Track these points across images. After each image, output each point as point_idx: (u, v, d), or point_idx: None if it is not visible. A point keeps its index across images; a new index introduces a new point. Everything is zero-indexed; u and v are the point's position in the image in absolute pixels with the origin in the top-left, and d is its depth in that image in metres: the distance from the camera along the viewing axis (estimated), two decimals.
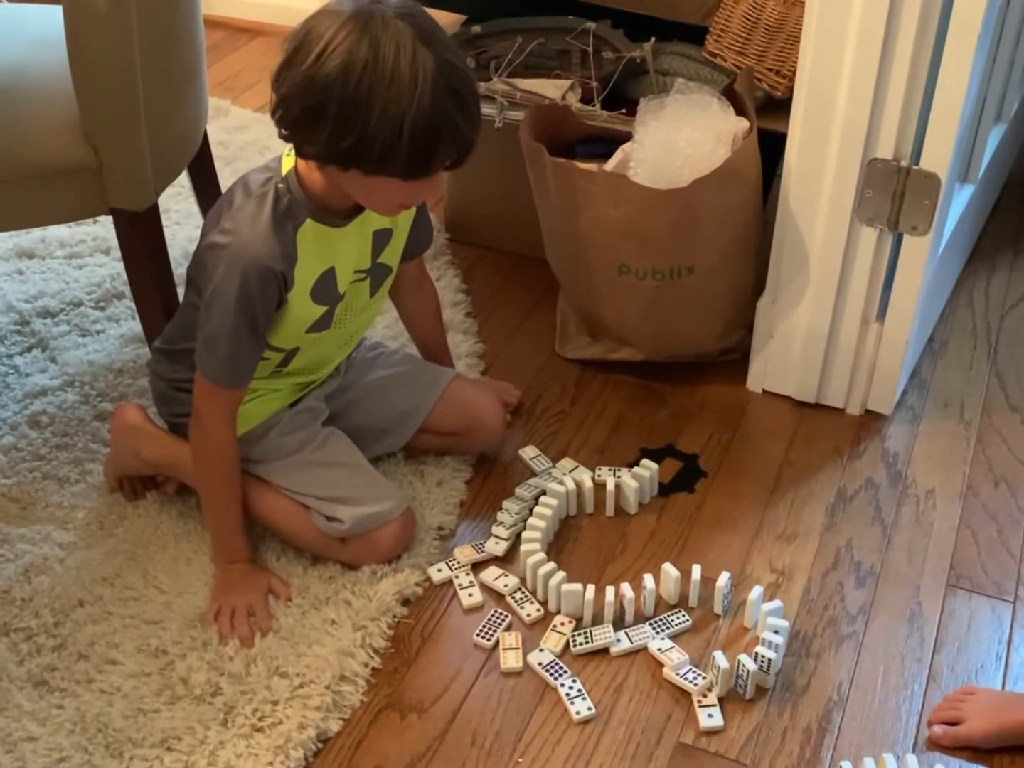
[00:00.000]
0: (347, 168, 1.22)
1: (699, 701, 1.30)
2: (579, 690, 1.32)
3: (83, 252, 2.01)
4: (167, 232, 1.66)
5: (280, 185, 1.29)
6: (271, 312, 1.32)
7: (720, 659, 1.30)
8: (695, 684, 1.31)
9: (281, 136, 1.25)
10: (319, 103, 1.17)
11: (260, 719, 1.27)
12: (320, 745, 1.27)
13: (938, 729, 1.28)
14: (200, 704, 1.29)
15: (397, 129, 1.16)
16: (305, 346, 1.41)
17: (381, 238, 1.41)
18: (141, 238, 1.55)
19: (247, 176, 1.34)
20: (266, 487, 1.44)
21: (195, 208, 1.99)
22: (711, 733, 1.28)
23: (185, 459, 1.43)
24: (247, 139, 2.36)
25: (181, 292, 1.68)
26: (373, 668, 1.34)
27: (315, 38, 1.17)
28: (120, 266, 1.91)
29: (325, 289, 1.36)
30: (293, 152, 1.29)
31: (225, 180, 1.98)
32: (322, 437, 1.46)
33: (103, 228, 2.03)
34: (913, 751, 1.27)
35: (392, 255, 1.44)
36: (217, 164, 1.91)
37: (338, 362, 1.52)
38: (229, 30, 2.81)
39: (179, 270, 1.89)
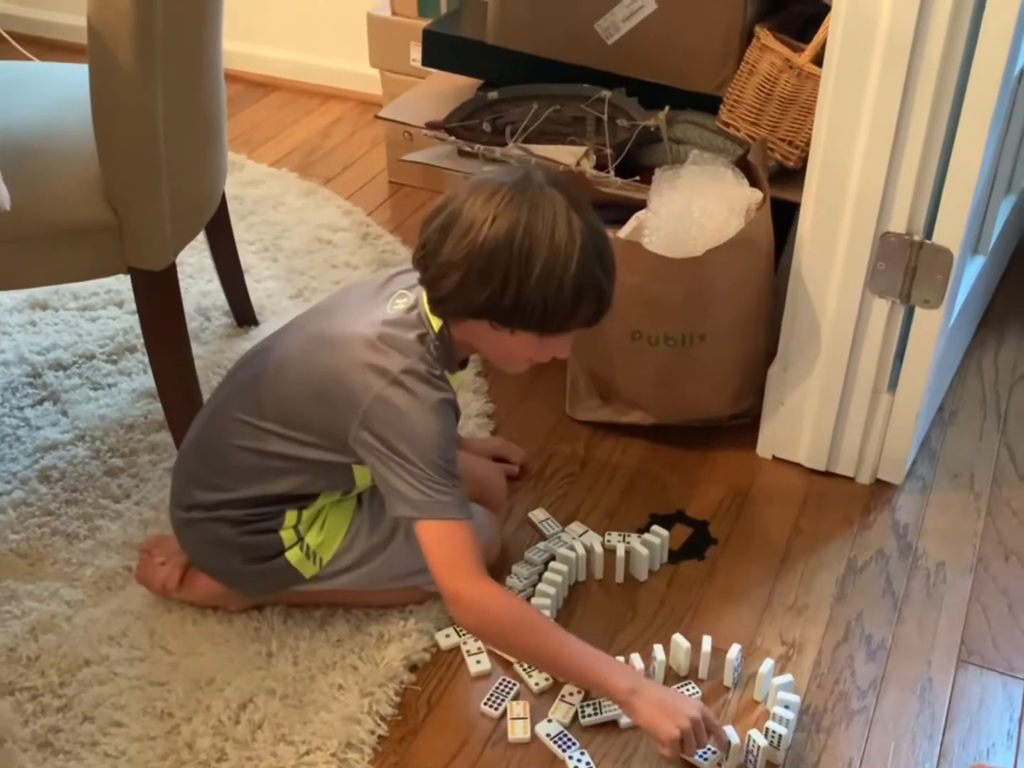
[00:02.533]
0: (494, 324, 1.27)
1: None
2: (588, 763, 1.30)
3: (96, 304, 2.02)
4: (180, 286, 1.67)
5: (436, 343, 1.31)
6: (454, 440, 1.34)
7: (731, 734, 1.29)
8: (704, 759, 1.30)
9: (434, 299, 1.29)
10: (484, 266, 1.23)
11: None
12: None
13: None
14: None
15: (554, 288, 1.23)
16: None
17: None
18: (158, 297, 1.56)
19: (385, 330, 1.31)
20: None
21: (209, 262, 2.00)
22: None
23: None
24: (262, 193, 2.38)
25: (195, 348, 1.70)
26: (379, 736, 1.33)
27: (475, 207, 1.23)
28: (133, 319, 1.93)
29: None
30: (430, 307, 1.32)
31: (239, 234, 2.01)
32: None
33: (117, 281, 2.04)
34: None
35: None
36: (232, 219, 1.93)
37: None
38: (245, 84, 2.85)
39: (192, 324, 1.91)
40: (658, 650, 1.39)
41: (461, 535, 1.29)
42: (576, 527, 1.62)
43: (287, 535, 1.39)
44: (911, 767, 1.33)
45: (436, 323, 1.32)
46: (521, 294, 1.23)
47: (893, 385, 1.65)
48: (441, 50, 1.99)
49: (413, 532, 1.33)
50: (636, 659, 1.39)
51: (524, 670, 1.41)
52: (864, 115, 1.45)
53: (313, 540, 1.40)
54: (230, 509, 1.38)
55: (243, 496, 1.37)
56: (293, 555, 1.39)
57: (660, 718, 1.25)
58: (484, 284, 1.24)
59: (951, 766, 1.32)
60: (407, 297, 1.34)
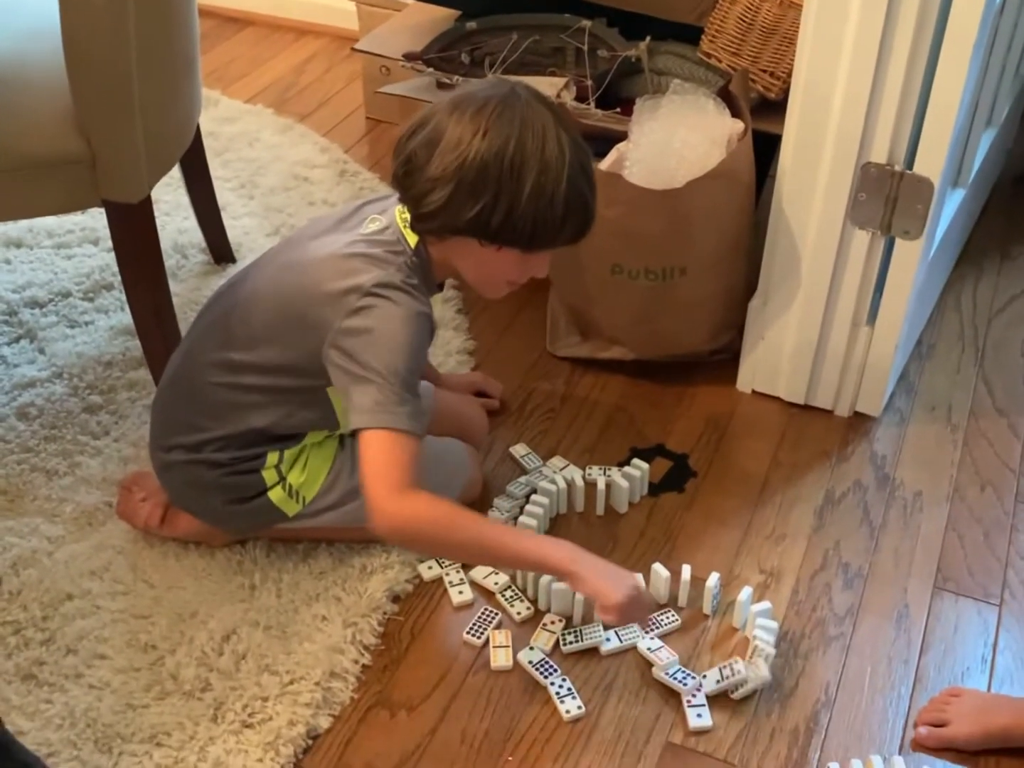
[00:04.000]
0: (482, 242, 1.25)
1: (688, 701, 1.31)
2: (569, 689, 1.32)
3: (71, 242, 1.99)
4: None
5: (413, 259, 1.30)
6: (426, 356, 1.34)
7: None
8: (684, 684, 1.32)
9: (419, 216, 1.26)
10: (474, 180, 1.21)
11: (250, 715, 1.28)
12: (310, 742, 1.27)
13: (923, 730, 1.29)
14: (190, 700, 1.29)
15: (546, 203, 1.22)
16: None
17: None
18: (134, 231, 1.54)
19: (362, 249, 1.29)
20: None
21: (185, 199, 1.98)
22: (700, 733, 1.29)
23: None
24: (237, 130, 2.35)
25: (172, 286, 1.69)
26: (363, 665, 1.34)
27: (463, 122, 1.21)
28: (109, 257, 1.91)
29: None
30: (408, 224, 1.30)
31: (215, 171, 1.98)
32: None
33: (91, 218, 2.02)
34: (900, 753, 1.28)
35: None
36: (207, 156, 1.90)
37: None
38: (219, 19, 2.79)
39: (169, 262, 1.89)
40: (638, 579, 1.40)
41: (403, 447, 1.24)
42: (557, 461, 1.63)
43: (269, 475, 1.39)
44: (887, 690, 1.35)
45: (412, 240, 1.31)
46: (512, 209, 1.22)
47: (872, 318, 1.65)
48: None
49: None
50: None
51: (506, 600, 1.42)
52: (845, 45, 1.44)
53: (295, 479, 1.40)
54: (211, 451, 1.37)
55: (222, 434, 1.37)
56: (275, 494, 1.39)
57: (605, 585, 1.26)
58: (474, 199, 1.21)
59: (926, 690, 1.35)
60: (379, 220, 1.32)
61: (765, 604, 1.39)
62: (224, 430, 1.37)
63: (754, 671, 1.31)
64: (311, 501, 1.41)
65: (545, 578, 1.40)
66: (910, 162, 1.50)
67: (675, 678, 1.32)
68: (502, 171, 1.20)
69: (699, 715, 1.30)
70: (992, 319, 1.94)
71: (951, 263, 2.02)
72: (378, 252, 1.29)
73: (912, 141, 1.49)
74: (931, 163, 1.48)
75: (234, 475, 1.38)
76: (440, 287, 1.40)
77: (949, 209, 1.77)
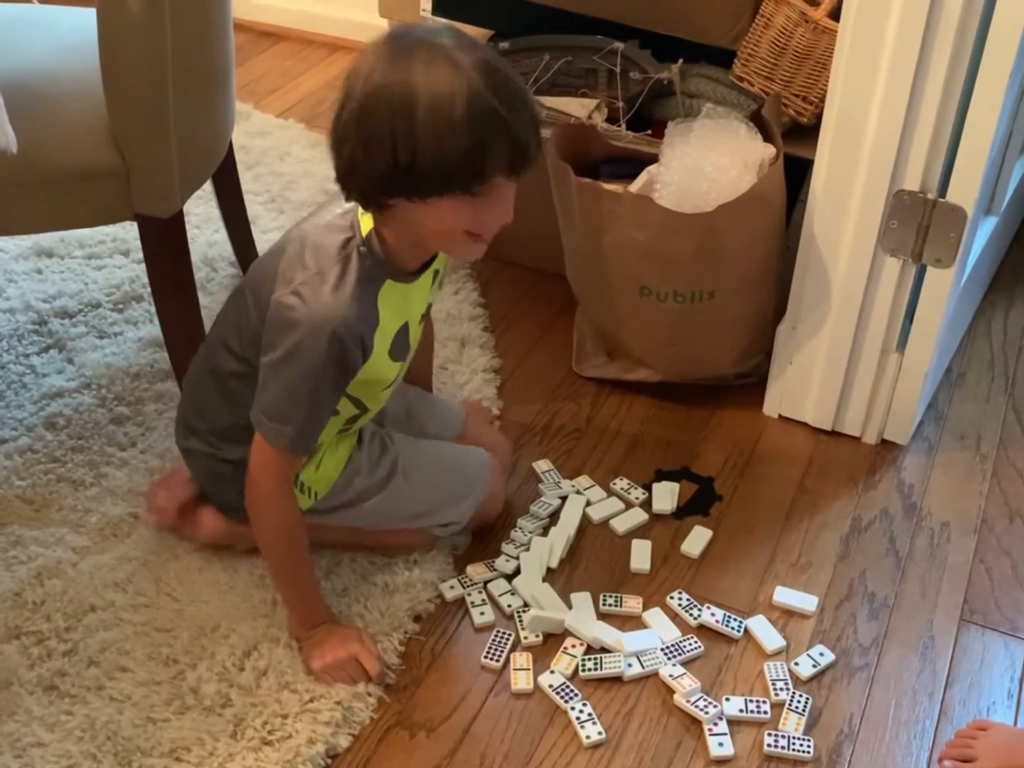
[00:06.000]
0: (411, 197, 1.18)
1: (710, 729, 1.30)
2: (589, 714, 1.31)
3: (102, 253, 2.01)
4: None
5: (362, 248, 1.25)
6: (347, 378, 1.27)
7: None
8: (706, 712, 1.31)
9: (344, 189, 1.21)
10: (368, 130, 1.15)
11: (270, 732, 1.27)
12: (329, 761, 1.27)
13: (948, 764, 1.27)
14: (210, 715, 1.29)
15: (447, 135, 1.12)
16: (379, 403, 1.39)
17: (434, 279, 1.39)
18: (165, 244, 1.55)
19: (317, 237, 1.26)
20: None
21: (215, 212, 1.99)
22: (721, 762, 1.28)
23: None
24: (268, 144, 2.36)
25: (201, 298, 1.69)
26: (384, 685, 1.34)
27: (353, 75, 1.16)
28: (139, 268, 1.92)
29: (401, 345, 1.34)
30: (369, 213, 1.26)
31: (246, 184, 1.99)
32: (396, 455, 1.44)
33: (123, 229, 2.03)
34: None
35: (434, 291, 1.43)
36: (238, 169, 1.91)
37: None
38: (252, 34, 2.81)
39: (198, 274, 1.90)
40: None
41: (284, 461, 1.28)
42: (583, 480, 1.62)
43: None
44: (911, 724, 1.33)
45: (366, 226, 1.25)
46: (415, 151, 1.13)
47: (902, 345, 1.64)
48: (452, 0, 1.96)
49: (411, 473, 1.38)
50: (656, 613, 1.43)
51: (519, 621, 1.41)
52: (881, 71, 1.43)
53: (307, 476, 1.39)
54: (220, 441, 1.40)
55: (223, 425, 1.39)
56: None
57: (309, 658, 1.33)
58: (374, 150, 1.14)
59: (951, 723, 1.33)
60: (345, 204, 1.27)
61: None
62: (223, 420, 1.38)
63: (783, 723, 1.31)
64: (324, 496, 1.40)
65: (528, 615, 1.41)
66: (943, 190, 1.49)
67: (697, 706, 1.31)
68: (390, 110, 1.12)
69: (720, 744, 1.29)
70: (1023, 347, 1.92)
71: (982, 291, 2.00)
72: (325, 244, 1.24)
73: (945, 169, 1.48)
74: (964, 192, 1.47)
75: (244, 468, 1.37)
76: (422, 270, 1.31)
77: (981, 237, 1.76)
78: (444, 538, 1.49)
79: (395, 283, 1.29)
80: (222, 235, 2.00)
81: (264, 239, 2.05)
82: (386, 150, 1.14)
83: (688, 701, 1.32)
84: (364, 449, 1.43)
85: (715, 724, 1.30)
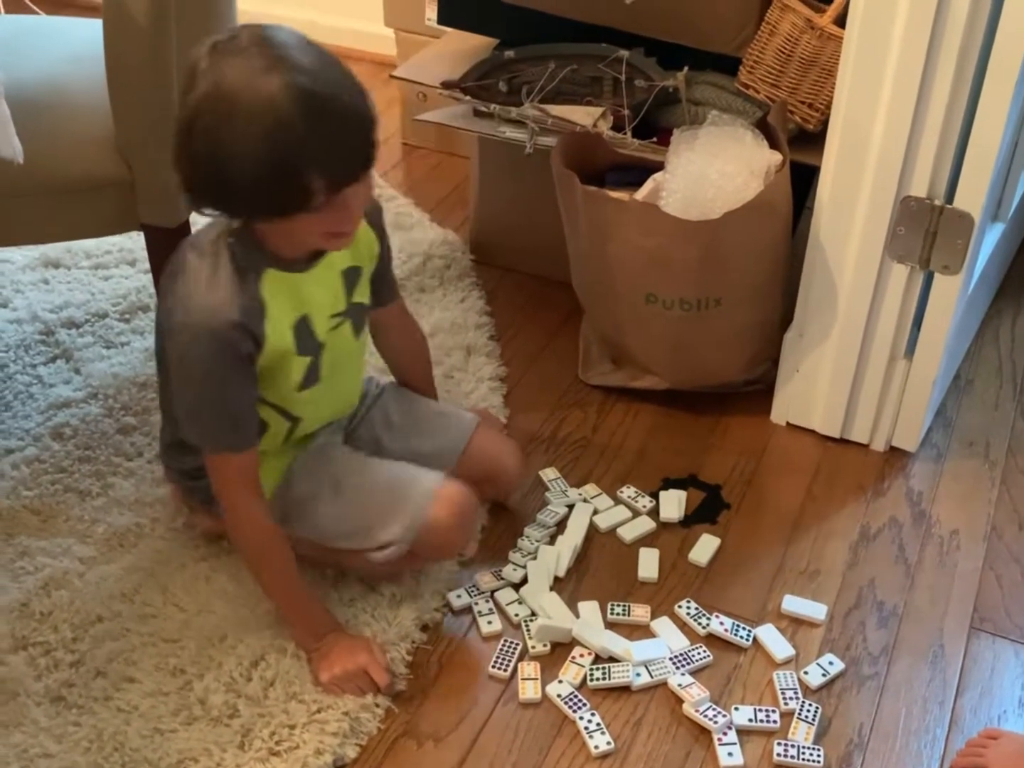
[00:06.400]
0: (251, 218, 1.20)
1: (719, 739, 1.29)
2: (598, 724, 1.31)
3: (109, 263, 2.01)
4: None
5: (231, 239, 1.23)
6: (247, 367, 1.25)
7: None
8: (715, 722, 1.30)
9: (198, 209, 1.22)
10: (188, 152, 1.14)
11: (277, 743, 1.27)
12: None
13: None
14: (217, 726, 1.28)
15: (258, 165, 1.10)
16: (303, 409, 1.36)
17: (351, 276, 1.35)
18: (171, 254, 1.55)
19: (196, 235, 1.28)
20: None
21: None
22: None
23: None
24: None
25: None
26: (391, 695, 1.33)
27: (184, 83, 1.15)
28: (146, 278, 1.92)
29: (304, 339, 1.30)
30: None
31: None
32: (333, 470, 1.41)
33: (129, 239, 2.04)
34: None
35: (365, 292, 1.39)
36: None
37: (346, 414, 1.49)
38: None
39: None
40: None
41: (233, 465, 1.28)
42: (591, 489, 1.62)
43: None
44: (922, 733, 1.33)
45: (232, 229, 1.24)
46: (224, 183, 1.12)
47: (910, 352, 1.63)
48: (457, 8, 1.96)
49: (344, 489, 1.38)
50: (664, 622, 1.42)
51: (526, 630, 1.41)
52: (887, 77, 1.43)
53: None
54: (177, 454, 1.42)
55: (172, 438, 1.41)
56: None
57: (317, 670, 1.32)
58: (198, 171, 1.14)
59: (961, 732, 1.32)
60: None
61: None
62: (169, 433, 1.41)
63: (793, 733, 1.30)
64: (271, 499, 1.38)
65: (535, 624, 1.40)
66: (950, 196, 1.48)
67: (706, 715, 1.31)
68: (203, 135, 1.11)
69: (730, 753, 1.28)
70: None
71: (990, 297, 2.00)
72: (204, 240, 1.24)
73: (952, 175, 1.48)
74: (972, 198, 1.47)
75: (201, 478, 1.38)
76: (311, 259, 1.28)
77: (988, 243, 1.75)
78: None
79: (279, 272, 1.26)
80: None
81: None
82: (210, 175, 1.14)
83: (697, 711, 1.31)
84: (301, 460, 1.41)
85: (724, 733, 1.30)
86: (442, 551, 1.42)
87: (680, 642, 1.40)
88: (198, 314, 1.21)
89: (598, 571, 1.51)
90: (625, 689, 1.35)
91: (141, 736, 1.27)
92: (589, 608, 1.43)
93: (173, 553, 1.48)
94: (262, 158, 1.10)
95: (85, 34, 1.63)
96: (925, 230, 1.50)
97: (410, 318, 1.56)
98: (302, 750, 1.26)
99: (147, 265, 1.61)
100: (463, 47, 1.98)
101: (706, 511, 1.61)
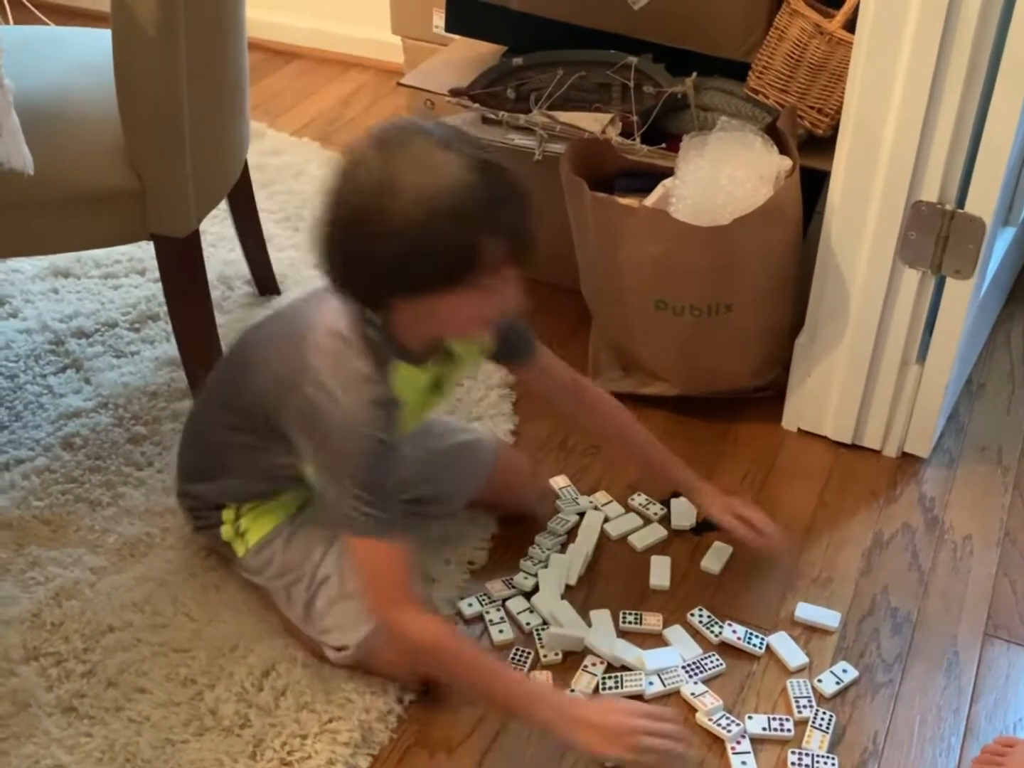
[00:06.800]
0: (409, 296, 1.17)
1: (732, 748, 1.28)
2: None
3: (118, 272, 2.01)
4: None
5: (368, 329, 1.22)
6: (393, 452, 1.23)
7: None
8: (728, 731, 1.29)
9: (349, 301, 1.20)
10: (356, 235, 1.13)
11: (289, 753, 1.26)
12: None
13: None
14: (229, 736, 1.28)
15: (435, 233, 1.11)
16: None
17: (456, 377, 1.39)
18: (182, 264, 1.55)
19: (325, 320, 1.23)
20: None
21: (230, 231, 2.00)
22: None
23: None
24: (283, 162, 2.37)
25: (217, 317, 1.69)
26: (403, 704, 1.33)
27: (339, 175, 1.15)
28: (155, 287, 1.92)
29: (416, 422, 1.33)
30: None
31: (261, 203, 1.99)
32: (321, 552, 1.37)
33: (139, 249, 2.04)
34: None
35: (458, 377, 1.40)
36: (253, 188, 1.92)
37: None
38: (266, 52, 2.82)
39: (214, 293, 1.90)
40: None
41: (386, 558, 1.22)
42: (601, 496, 1.61)
43: (227, 514, 1.41)
44: (936, 741, 1.32)
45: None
46: (407, 250, 1.11)
47: (922, 357, 1.63)
48: (465, 16, 1.96)
49: (308, 587, 1.34)
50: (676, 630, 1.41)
51: (538, 639, 1.40)
52: (897, 82, 1.42)
53: (245, 522, 1.39)
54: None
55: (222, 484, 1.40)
56: (226, 531, 1.41)
57: (606, 746, 1.18)
58: (365, 252, 1.13)
59: (977, 740, 1.31)
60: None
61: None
62: (225, 479, 1.39)
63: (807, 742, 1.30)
64: (254, 551, 1.38)
65: (547, 632, 1.40)
66: (961, 201, 1.48)
67: (719, 724, 1.30)
68: (377, 214, 1.11)
69: (744, 762, 1.27)
70: None
71: (1001, 301, 1.99)
72: (340, 328, 1.22)
73: (963, 180, 1.47)
74: (983, 202, 1.46)
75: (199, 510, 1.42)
76: (433, 352, 1.28)
77: (1000, 248, 1.75)
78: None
79: (408, 365, 1.26)
80: (238, 254, 2.00)
81: (280, 257, 2.06)
82: (377, 251, 1.13)
83: (710, 719, 1.31)
84: (294, 524, 1.38)
85: (738, 742, 1.29)
86: (393, 678, 1.33)
87: (693, 650, 1.39)
88: (350, 412, 1.19)
89: (610, 579, 1.50)
90: (638, 698, 1.34)
91: (152, 747, 1.26)
92: (601, 616, 1.43)
93: (183, 563, 1.48)
94: (447, 227, 1.11)
95: (94, 44, 1.63)
96: (936, 235, 1.50)
97: (580, 381, 1.47)
98: (314, 760, 1.26)
99: (156, 275, 1.61)
100: (471, 54, 1.99)
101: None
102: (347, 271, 1.17)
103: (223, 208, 1.95)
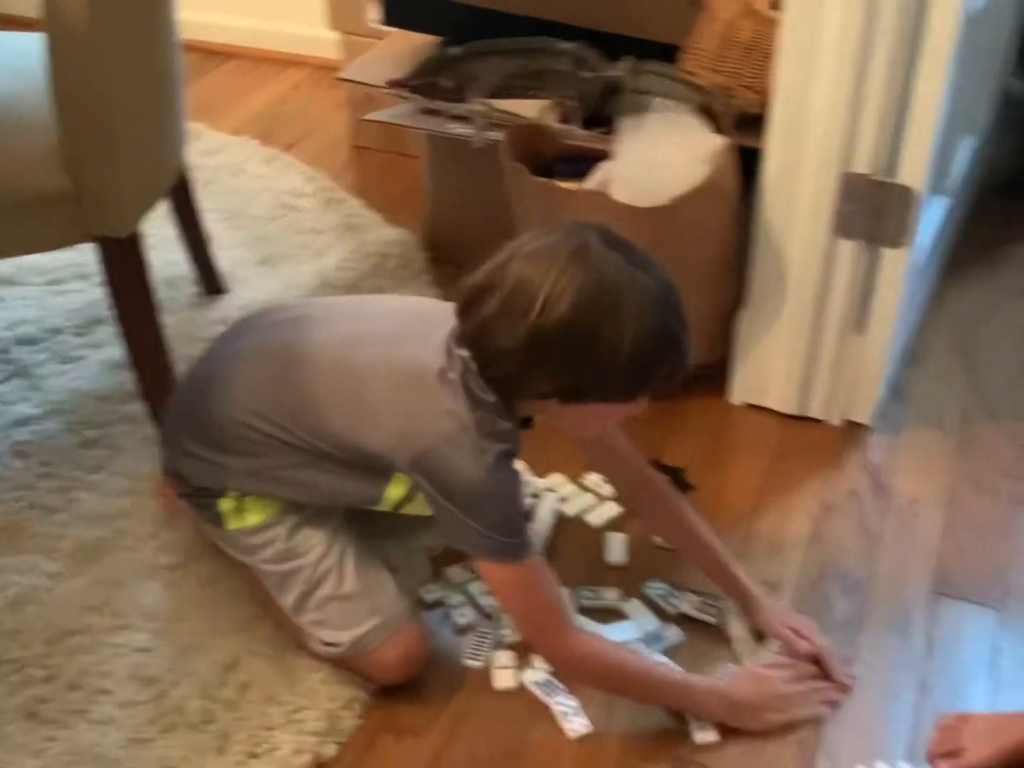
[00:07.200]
0: (564, 402, 1.19)
1: (694, 716, 1.31)
2: (574, 707, 1.32)
3: (62, 278, 2.00)
4: None
5: (492, 404, 1.21)
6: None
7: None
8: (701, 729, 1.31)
9: (490, 380, 1.20)
10: (547, 348, 1.13)
11: (256, 745, 1.27)
12: None
13: (943, 764, 1.26)
14: (195, 732, 1.28)
15: (625, 356, 1.14)
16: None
17: None
18: (124, 266, 1.54)
19: (440, 369, 1.21)
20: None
21: (173, 233, 1.98)
22: (706, 747, 1.29)
23: None
24: (222, 162, 2.36)
25: (164, 318, 1.68)
26: (368, 691, 1.34)
27: (534, 286, 1.13)
28: (99, 291, 1.90)
29: None
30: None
31: (202, 203, 1.98)
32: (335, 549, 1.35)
33: (81, 254, 2.00)
34: (905, 759, 1.27)
35: None
36: (194, 188, 1.91)
37: None
38: (201, 53, 2.80)
39: (159, 295, 1.89)
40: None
41: (530, 579, 1.24)
42: (557, 477, 1.63)
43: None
44: (890, 698, 1.35)
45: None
46: (587, 372, 1.15)
47: (862, 327, 1.66)
48: (401, 8, 1.97)
49: (308, 579, 1.32)
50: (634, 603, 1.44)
51: (499, 622, 1.42)
52: (824, 55, 1.46)
53: (251, 500, 1.35)
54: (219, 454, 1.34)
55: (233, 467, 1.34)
56: (227, 503, 1.36)
57: (769, 721, 1.30)
58: (547, 367, 1.15)
59: (930, 696, 1.35)
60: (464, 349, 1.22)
61: None
62: (233, 463, 1.33)
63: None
64: (250, 529, 1.35)
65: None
66: (892, 171, 1.51)
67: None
68: (577, 336, 1.12)
69: (704, 729, 1.30)
70: (981, 324, 1.95)
71: (939, 270, 2.03)
72: (460, 385, 1.21)
73: (893, 150, 1.50)
74: (913, 171, 1.50)
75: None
76: (528, 424, 1.30)
77: (934, 217, 1.79)
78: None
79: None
80: (181, 255, 1.99)
81: (224, 256, 2.05)
82: (560, 372, 1.15)
83: None
84: (301, 514, 1.35)
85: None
86: (375, 680, 1.34)
87: (651, 623, 1.42)
88: (485, 448, 1.20)
89: (567, 557, 1.52)
90: None
91: (119, 747, 1.26)
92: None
93: (140, 564, 1.48)
94: (642, 344, 1.14)
95: (26, 47, 1.61)
96: (870, 205, 1.53)
97: (635, 461, 1.45)
98: (281, 751, 1.26)
99: (100, 279, 1.60)
100: (408, 47, 1.99)
101: None
102: (520, 376, 1.17)
103: (165, 210, 1.94)
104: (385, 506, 1.34)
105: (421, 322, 1.30)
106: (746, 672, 1.34)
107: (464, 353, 1.21)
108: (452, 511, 1.22)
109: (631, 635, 1.40)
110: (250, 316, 1.45)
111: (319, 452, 1.28)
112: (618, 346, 1.13)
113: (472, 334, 1.19)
